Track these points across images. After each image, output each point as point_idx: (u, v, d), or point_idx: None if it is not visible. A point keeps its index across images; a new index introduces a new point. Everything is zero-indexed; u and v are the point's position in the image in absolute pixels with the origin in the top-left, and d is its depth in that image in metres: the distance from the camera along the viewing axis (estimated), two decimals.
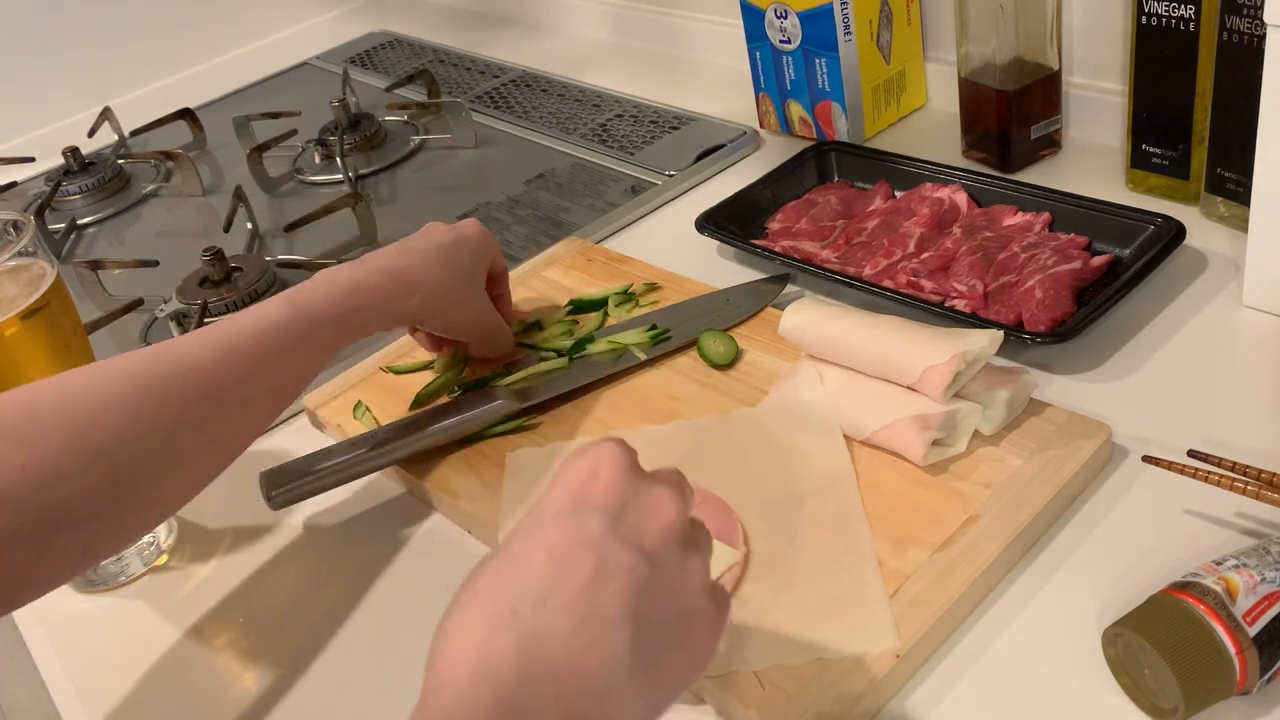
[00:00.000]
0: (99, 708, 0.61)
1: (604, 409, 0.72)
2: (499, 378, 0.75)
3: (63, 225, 1.16)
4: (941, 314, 0.71)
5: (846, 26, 0.93)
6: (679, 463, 0.65)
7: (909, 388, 0.62)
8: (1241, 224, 0.72)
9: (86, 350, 0.70)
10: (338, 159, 1.14)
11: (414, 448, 0.69)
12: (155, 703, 0.61)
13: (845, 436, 0.64)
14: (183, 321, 0.92)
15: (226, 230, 1.07)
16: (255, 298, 0.92)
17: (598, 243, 0.92)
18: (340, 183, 1.13)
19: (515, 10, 1.50)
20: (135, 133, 1.34)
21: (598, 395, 0.73)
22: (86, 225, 1.18)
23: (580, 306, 0.81)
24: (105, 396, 0.54)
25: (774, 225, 0.87)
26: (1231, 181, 0.74)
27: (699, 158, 1.01)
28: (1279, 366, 0.65)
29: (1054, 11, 0.84)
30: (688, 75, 1.21)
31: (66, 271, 0.94)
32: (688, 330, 0.76)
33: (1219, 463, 0.55)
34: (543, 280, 0.86)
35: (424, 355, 0.80)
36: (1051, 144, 0.89)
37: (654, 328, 0.76)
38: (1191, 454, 0.56)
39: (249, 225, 1.06)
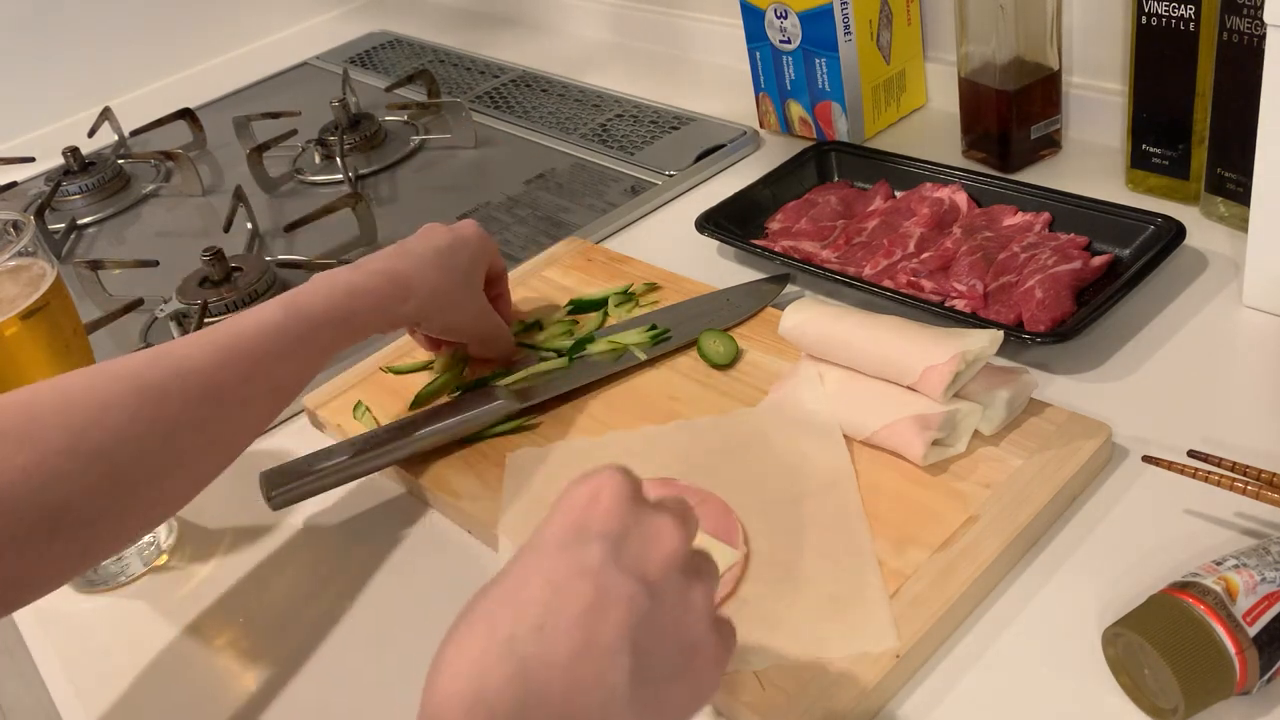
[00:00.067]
0: (99, 708, 0.61)
1: (604, 409, 0.72)
2: (499, 378, 0.75)
3: (63, 225, 1.16)
4: (941, 314, 0.71)
5: (846, 26, 0.93)
6: (679, 463, 0.65)
7: (909, 388, 0.62)
8: (1241, 224, 0.72)
9: (86, 350, 0.70)
10: (338, 159, 1.14)
11: (414, 448, 0.69)
12: (155, 703, 0.61)
13: (845, 436, 0.64)
14: (183, 321, 0.92)
15: (226, 230, 1.07)
16: (255, 298, 0.92)
17: (598, 243, 0.92)
18: (340, 183, 1.13)
19: (515, 10, 1.50)
20: (135, 133, 1.34)
21: (598, 395, 0.73)
22: (86, 225, 1.18)
23: (580, 306, 0.81)
24: (105, 397, 0.54)
25: (774, 225, 0.87)
26: (1231, 181, 0.74)
27: (699, 158, 1.01)
28: (1279, 366, 0.65)
29: (1054, 11, 0.84)
30: (688, 75, 1.21)
31: (66, 271, 0.94)
32: (688, 330, 0.76)
33: (1219, 463, 0.55)
34: (543, 280, 0.86)
35: (424, 355, 0.80)
36: (1051, 144, 0.89)
37: (654, 328, 0.76)
38: (1191, 454, 0.56)
39: (249, 225, 1.06)
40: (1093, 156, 0.88)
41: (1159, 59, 0.76)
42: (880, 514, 0.59)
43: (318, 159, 1.20)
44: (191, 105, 1.35)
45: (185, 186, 1.21)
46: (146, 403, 0.55)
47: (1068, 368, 0.68)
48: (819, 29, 0.94)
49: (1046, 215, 0.78)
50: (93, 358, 0.71)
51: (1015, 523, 0.56)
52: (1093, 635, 0.51)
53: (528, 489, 0.66)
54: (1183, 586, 0.47)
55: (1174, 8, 0.73)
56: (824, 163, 0.92)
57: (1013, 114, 0.86)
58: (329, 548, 0.68)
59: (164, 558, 0.70)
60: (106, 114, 1.35)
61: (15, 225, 0.67)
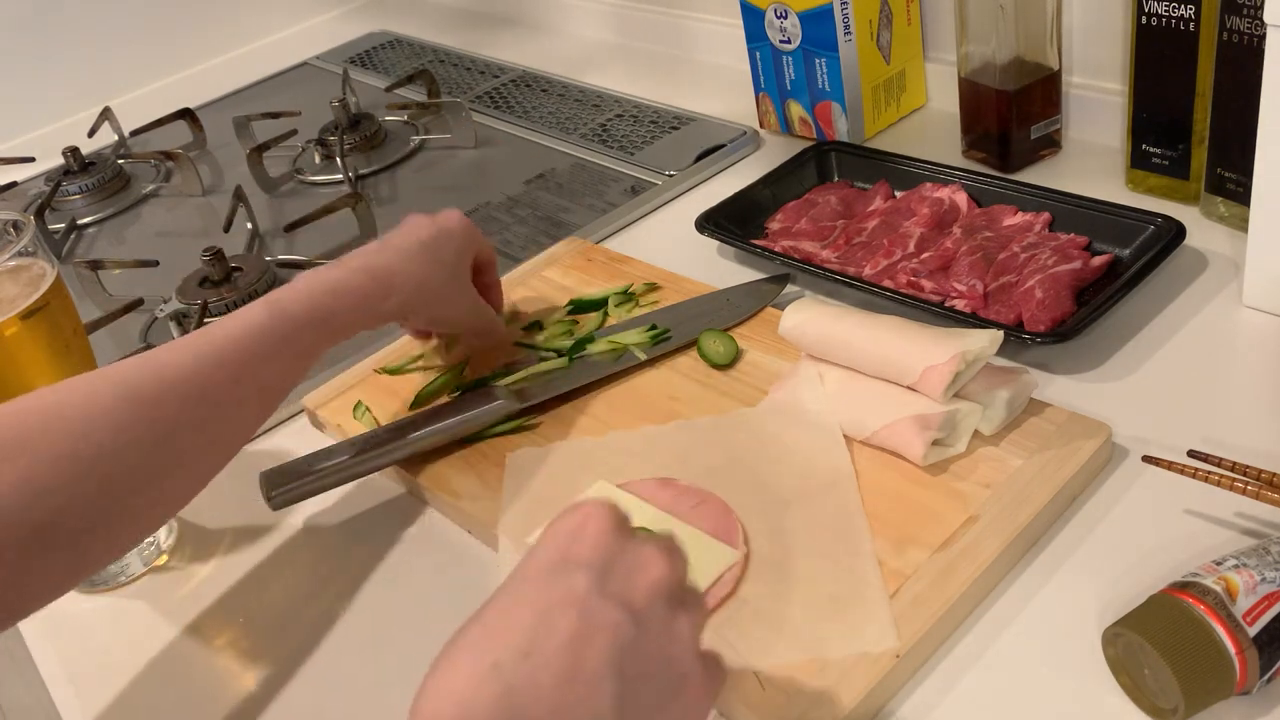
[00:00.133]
0: (99, 708, 0.61)
1: (604, 409, 0.72)
2: (499, 378, 0.75)
3: (63, 225, 1.16)
4: (941, 314, 0.71)
5: (846, 26, 0.93)
6: (679, 463, 0.65)
7: (909, 388, 0.62)
8: (1241, 224, 0.72)
9: (86, 350, 0.70)
10: (338, 159, 1.14)
11: (414, 448, 0.69)
12: (155, 703, 0.61)
13: (845, 436, 0.64)
14: (183, 321, 0.92)
15: (226, 230, 1.07)
16: (255, 298, 0.92)
17: (598, 243, 0.92)
18: (340, 183, 1.13)
19: (515, 10, 1.50)
20: (135, 133, 1.34)
21: (598, 395, 0.73)
22: (86, 225, 1.18)
23: (580, 306, 0.81)
24: (94, 407, 0.53)
25: (774, 225, 0.87)
26: (1231, 181, 0.74)
27: (699, 158, 1.01)
28: (1279, 366, 0.65)
29: (1054, 11, 0.84)
30: (688, 75, 1.21)
31: (66, 271, 0.94)
32: (688, 330, 0.76)
33: (1219, 463, 0.55)
34: (543, 280, 0.86)
35: (419, 350, 0.80)
36: (1051, 144, 0.89)
37: (654, 328, 0.76)
38: (1191, 454, 0.56)
39: (249, 225, 1.06)
40: (1093, 156, 0.88)
41: (1159, 59, 0.76)
42: (880, 514, 0.59)
43: (318, 159, 1.20)
44: (191, 105, 1.35)
45: (185, 186, 1.21)
46: (135, 411, 0.54)
47: (1068, 368, 0.68)
48: (819, 29, 0.94)
49: (1046, 215, 0.78)
50: (93, 357, 0.71)
51: (1015, 523, 0.56)
52: (1093, 635, 0.51)
53: (528, 489, 0.66)
54: (1183, 586, 0.47)
55: (1174, 8, 0.73)
56: (824, 163, 0.92)
57: (1013, 114, 0.86)
58: (329, 548, 0.68)
59: (164, 558, 0.70)
60: (106, 114, 1.35)
61: (15, 225, 0.67)
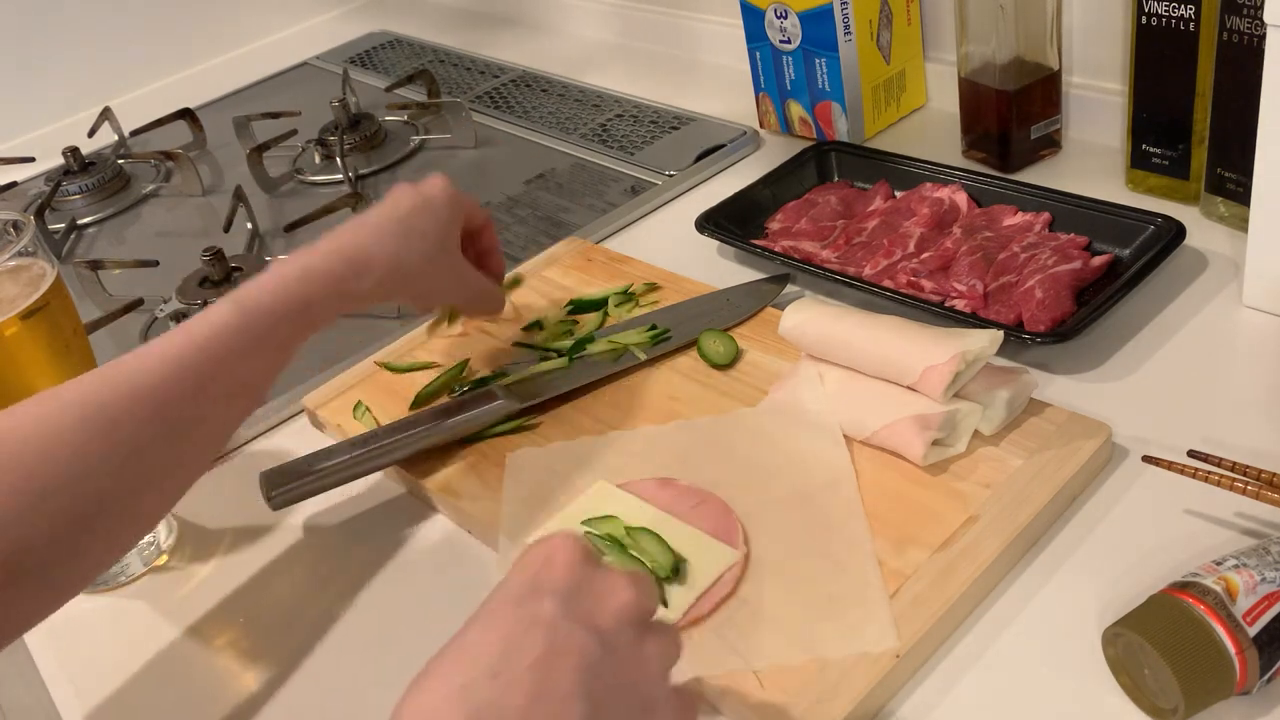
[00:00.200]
0: (99, 708, 0.61)
1: (604, 409, 0.72)
2: (499, 378, 0.75)
3: (63, 225, 1.16)
4: (941, 314, 0.71)
5: (846, 26, 0.93)
6: (679, 463, 0.65)
7: (909, 388, 0.62)
8: (1241, 224, 0.72)
9: (86, 350, 0.70)
10: (338, 159, 1.14)
11: (414, 448, 0.69)
12: (155, 703, 0.61)
13: (845, 436, 0.64)
14: (183, 321, 0.92)
15: (226, 230, 1.07)
16: None
17: (598, 243, 0.92)
18: (340, 183, 1.13)
19: (515, 10, 1.50)
20: (135, 133, 1.34)
21: (598, 395, 0.73)
22: (86, 225, 1.18)
23: (580, 306, 0.81)
24: (53, 431, 0.51)
25: (774, 225, 0.87)
26: (1231, 181, 0.74)
27: (699, 158, 1.01)
28: (1279, 366, 0.65)
29: (1054, 11, 0.84)
30: (688, 75, 1.21)
31: (66, 271, 0.94)
32: (688, 330, 0.76)
33: (1219, 463, 0.55)
34: (543, 280, 0.86)
35: (424, 355, 0.80)
36: (1051, 144, 0.89)
37: (654, 328, 0.76)
38: (1191, 454, 0.56)
39: (249, 225, 1.06)
40: (1093, 156, 0.88)
41: (1159, 59, 0.76)
42: (880, 514, 0.59)
43: (318, 159, 1.20)
44: (191, 105, 1.35)
45: (185, 186, 1.21)
46: (96, 433, 0.52)
47: (1068, 368, 0.68)
48: (819, 29, 0.94)
49: (1046, 215, 0.78)
50: (93, 357, 0.71)
51: (1015, 523, 0.56)
52: (1093, 635, 0.51)
53: (528, 489, 0.66)
54: (1183, 586, 0.47)
55: (1174, 8, 0.73)
56: (824, 163, 0.92)
57: (1013, 114, 0.86)
58: (329, 548, 0.68)
59: (164, 558, 0.70)
60: (106, 114, 1.35)
61: (15, 225, 0.67)
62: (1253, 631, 0.45)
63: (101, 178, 1.23)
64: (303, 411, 0.80)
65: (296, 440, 0.77)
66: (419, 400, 0.75)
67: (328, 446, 0.70)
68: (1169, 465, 0.55)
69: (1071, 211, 0.77)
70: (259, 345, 0.58)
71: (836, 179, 0.92)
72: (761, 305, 0.77)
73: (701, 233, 0.86)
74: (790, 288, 0.80)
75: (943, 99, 1.00)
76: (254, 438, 0.79)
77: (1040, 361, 0.69)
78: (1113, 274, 0.73)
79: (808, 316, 0.68)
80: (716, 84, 1.16)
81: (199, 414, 0.56)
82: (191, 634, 0.64)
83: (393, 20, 1.62)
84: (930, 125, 1.00)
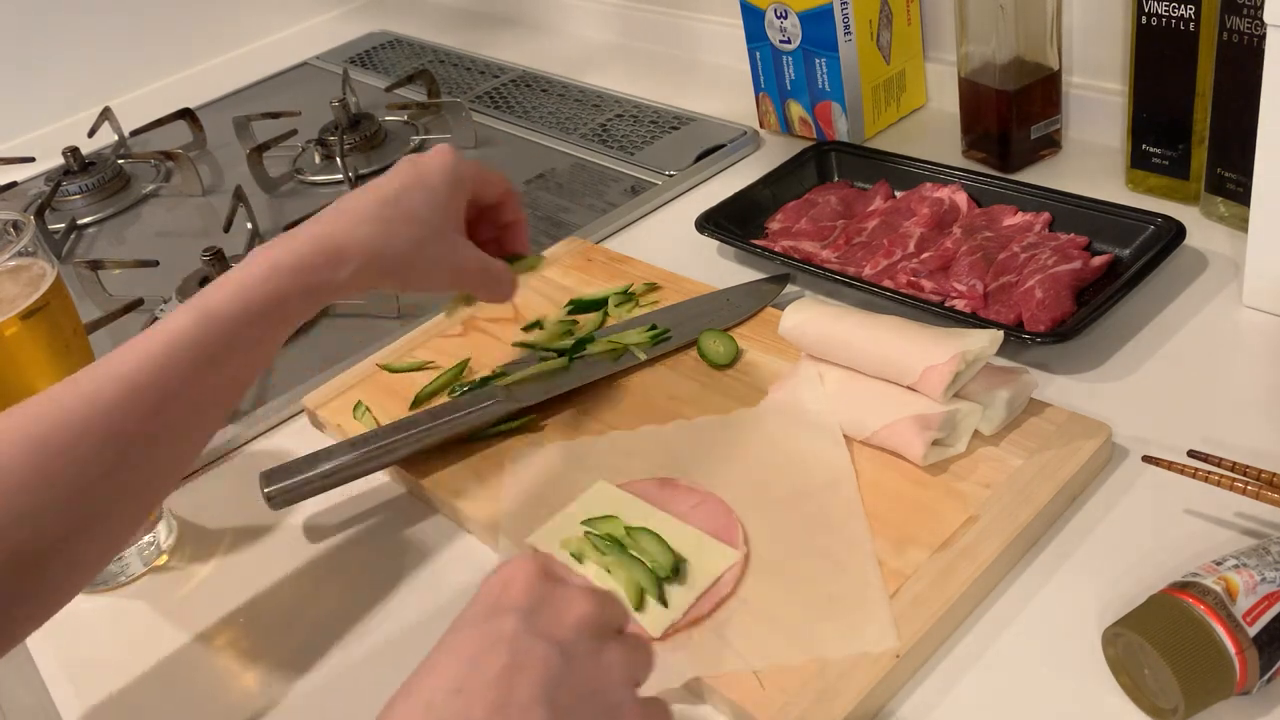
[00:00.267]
0: (99, 708, 0.61)
1: (604, 409, 0.72)
2: (499, 378, 0.75)
3: (63, 225, 1.16)
4: (941, 314, 0.71)
5: (846, 26, 0.93)
6: (679, 463, 0.65)
7: (909, 388, 0.62)
8: (1241, 224, 0.72)
9: (86, 350, 0.70)
10: (338, 159, 1.14)
11: (414, 448, 0.69)
12: (156, 703, 0.61)
13: (845, 436, 0.64)
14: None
15: (226, 230, 1.07)
16: None
17: (598, 243, 0.92)
18: (340, 183, 1.13)
19: (515, 10, 1.50)
20: (135, 133, 1.34)
21: (598, 395, 0.73)
22: (86, 225, 1.18)
23: (580, 306, 0.81)
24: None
25: (774, 225, 0.87)
26: (1231, 181, 0.74)
27: (699, 158, 1.01)
28: (1279, 366, 0.65)
29: (1054, 11, 0.84)
30: (688, 75, 1.21)
31: (66, 271, 0.94)
32: (688, 330, 0.76)
33: (1219, 463, 0.55)
34: (543, 280, 0.86)
35: (424, 355, 0.80)
36: (1051, 144, 0.89)
37: (654, 328, 0.76)
38: (1191, 454, 0.56)
39: (249, 225, 1.06)
40: (1093, 156, 0.88)
41: (1159, 59, 0.76)
42: (880, 514, 0.59)
43: (318, 159, 1.20)
44: (191, 105, 1.35)
45: (185, 186, 1.21)
46: (42, 467, 0.48)
47: (1068, 368, 0.68)
48: (819, 29, 0.94)
49: (1046, 215, 0.78)
50: (92, 357, 0.71)
51: (1015, 523, 0.56)
52: (1093, 635, 0.51)
53: (528, 489, 0.66)
54: (1183, 586, 0.47)
55: (1174, 8, 0.73)
56: (824, 163, 0.92)
57: (1013, 114, 0.86)
58: (329, 548, 0.68)
59: (164, 558, 0.70)
60: (106, 114, 1.35)
61: (15, 225, 0.67)
62: (1253, 631, 0.45)
63: (101, 178, 1.23)
64: (303, 411, 0.80)
65: (296, 440, 0.77)
66: (419, 400, 0.75)
67: (328, 446, 0.70)
68: (1169, 465, 0.55)
69: (1071, 211, 0.77)
70: (226, 353, 0.53)
71: (836, 179, 0.92)
72: (761, 305, 0.77)
73: (701, 233, 0.86)
74: (790, 288, 0.80)
75: (943, 99, 1.00)
76: (254, 438, 0.79)
77: (1040, 361, 0.69)
78: (1113, 274, 0.73)
79: (808, 316, 0.68)
80: (716, 84, 1.16)
81: (158, 433, 0.52)
82: (191, 634, 0.64)
83: (393, 20, 1.62)
84: (930, 125, 1.00)
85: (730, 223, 0.87)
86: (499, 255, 0.66)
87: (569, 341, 0.77)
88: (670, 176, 1.00)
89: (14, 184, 1.29)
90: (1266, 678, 0.46)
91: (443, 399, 0.75)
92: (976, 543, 0.56)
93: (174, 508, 0.73)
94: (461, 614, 0.43)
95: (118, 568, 0.69)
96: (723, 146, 1.02)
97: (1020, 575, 0.56)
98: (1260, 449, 0.59)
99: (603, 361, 0.75)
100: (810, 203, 0.88)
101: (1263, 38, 0.62)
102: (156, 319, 0.93)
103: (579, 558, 0.59)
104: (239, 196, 1.08)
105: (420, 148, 1.19)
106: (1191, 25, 0.73)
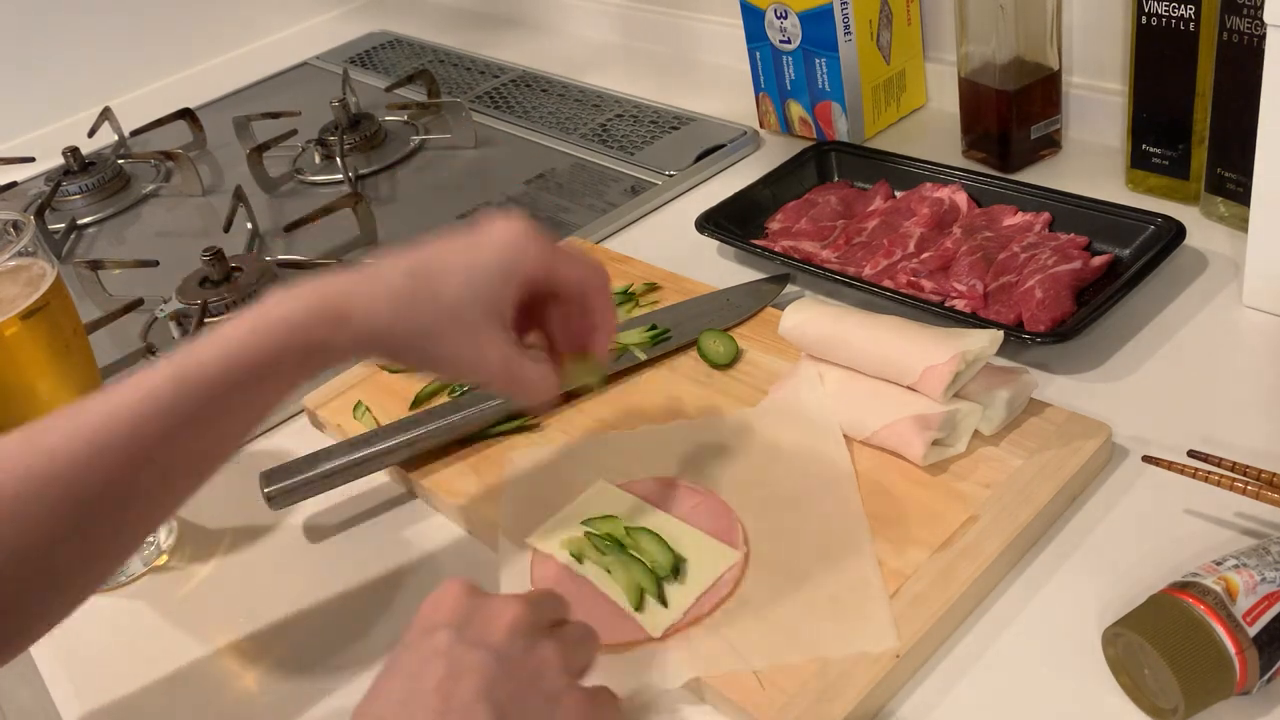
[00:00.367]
0: (99, 708, 0.61)
1: (604, 409, 0.72)
2: None
3: (63, 225, 1.16)
4: (941, 314, 0.71)
5: (846, 26, 0.93)
6: (679, 463, 0.65)
7: (909, 388, 0.62)
8: (1241, 224, 0.72)
9: (86, 350, 0.70)
10: (338, 159, 1.14)
11: (414, 448, 0.69)
12: (156, 702, 0.61)
13: (845, 436, 0.64)
14: (183, 321, 0.92)
15: (226, 230, 1.07)
16: (255, 298, 0.92)
17: (598, 243, 0.92)
18: (340, 183, 1.13)
19: (515, 10, 1.50)
20: (135, 133, 1.34)
21: (598, 395, 0.73)
22: (86, 225, 1.18)
23: None
24: None
25: (774, 225, 0.87)
26: (1231, 181, 0.74)
27: (699, 158, 1.01)
28: (1279, 366, 0.65)
29: (1054, 11, 0.84)
30: (688, 75, 1.21)
31: (66, 271, 0.94)
32: (688, 330, 0.76)
33: (1219, 463, 0.55)
34: None
35: None
36: (1051, 144, 0.89)
37: (654, 328, 0.76)
38: (1191, 454, 0.56)
39: (249, 225, 1.06)
40: (1093, 156, 0.88)
41: (1159, 59, 0.76)
42: (880, 514, 0.59)
43: (318, 159, 1.20)
44: (191, 105, 1.35)
45: (185, 186, 1.21)
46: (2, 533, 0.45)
47: (1068, 368, 0.68)
48: (819, 29, 0.94)
49: (1046, 215, 0.78)
50: (93, 358, 0.71)
51: (1015, 523, 0.56)
52: (1093, 635, 0.51)
53: (528, 489, 0.66)
54: (1183, 586, 0.47)
55: (1174, 8, 0.73)
56: (824, 163, 0.92)
57: (1013, 114, 0.86)
58: (329, 548, 0.68)
59: (164, 558, 0.70)
60: (106, 114, 1.35)
61: (15, 225, 0.67)
62: (1253, 631, 0.45)
63: (101, 178, 1.23)
64: (303, 411, 0.80)
65: (296, 440, 0.77)
66: (419, 400, 0.75)
67: (328, 446, 0.70)
68: (1169, 465, 0.55)
69: (1071, 211, 0.77)
70: (206, 416, 0.49)
71: (836, 179, 0.92)
72: (761, 305, 0.77)
73: (701, 233, 0.86)
74: (790, 288, 0.80)
75: (943, 99, 1.00)
76: (254, 438, 0.79)
77: (1040, 361, 0.69)
78: (1113, 274, 0.73)
79: (808, 316, 0.68)
80: (716, 84, 1.16)
81: (125, 497, 0.48)
82: (191, 634, 0.64)
83: (393, 20, 1.62)
84: (930, 125, 1.00)
85: (730, 223, 0.87)
86: (570, 349, 0.58)
87: None
88: (670, 176, 1.00)
89: (14, 184, 1.29)
90: (1266, 678, 0.46)
91: (443, 399, 0.75)
92: (976, 543, 0.56)
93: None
94: (402, 637, 0.45)
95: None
96: (723, 146, 1.02)
97: (1020, 575, 0.56)
98: (1260, 449, 0.59)
99: None
100: (810, 203, 0.88)
101: (1263, 38, 0.62)
102: (156, 319, 0.93)
103: (579, 558, 0.59)
104: (239, 196, 1.08)
105: (420, 148, 1.19)
106: (1191, 25, 0.73)
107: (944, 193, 0.83)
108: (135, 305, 0.94)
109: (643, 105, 1.15)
